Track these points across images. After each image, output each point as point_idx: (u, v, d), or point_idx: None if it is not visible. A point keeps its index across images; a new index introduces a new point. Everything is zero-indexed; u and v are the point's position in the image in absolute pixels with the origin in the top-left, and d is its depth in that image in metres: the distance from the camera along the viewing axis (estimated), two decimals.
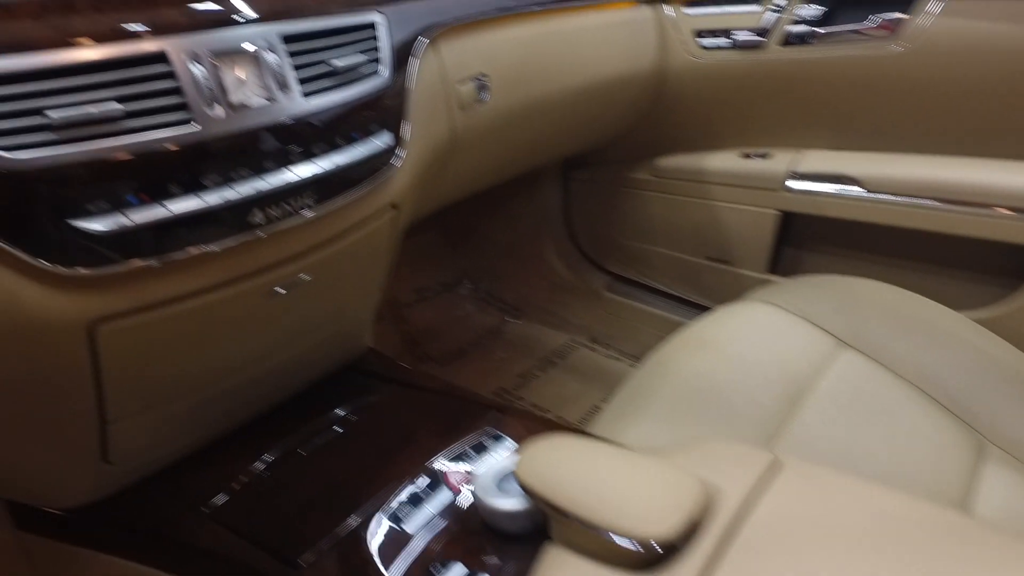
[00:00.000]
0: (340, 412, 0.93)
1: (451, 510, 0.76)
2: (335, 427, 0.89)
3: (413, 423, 0.89)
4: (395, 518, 0.75)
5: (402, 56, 0.90)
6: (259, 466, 0.85)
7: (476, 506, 0.73)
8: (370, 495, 0.77)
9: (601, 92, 1.38)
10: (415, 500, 0.77)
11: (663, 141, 1.63)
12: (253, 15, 0.72)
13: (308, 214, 0.74)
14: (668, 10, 1.51)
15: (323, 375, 1.00)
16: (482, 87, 1.09)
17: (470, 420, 0.88)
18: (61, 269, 0.61)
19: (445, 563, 0.69)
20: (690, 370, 1.02)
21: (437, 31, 1.00)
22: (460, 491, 0.78)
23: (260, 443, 0.89)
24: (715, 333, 1.10)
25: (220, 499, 0.81)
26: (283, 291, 0.78)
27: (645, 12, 1.47)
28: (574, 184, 1.89)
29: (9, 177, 0.57)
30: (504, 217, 2.02)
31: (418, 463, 0.81)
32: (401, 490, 0.78)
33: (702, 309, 1.71)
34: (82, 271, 0.62)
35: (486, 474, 0.73)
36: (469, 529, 0.73)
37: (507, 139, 1.23)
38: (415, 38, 0.95)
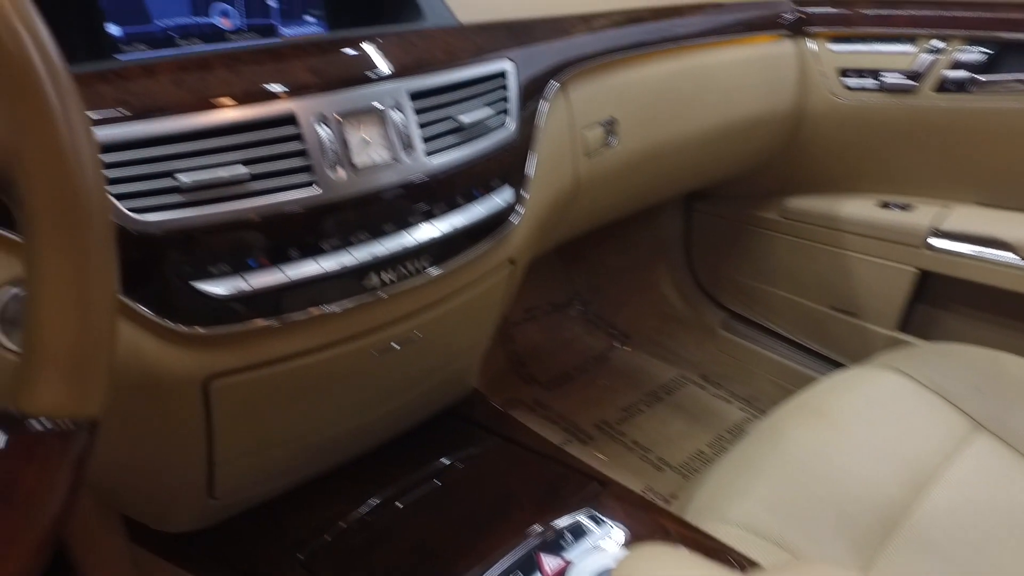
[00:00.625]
0: (440, 462, 0.92)
1: None
2: (434, 479, 0.89)
3: (512, 485, 0.87)
4: None
5: (530, 104, 0.88)
6: (357, 514, 0.85)
7: None
8: (462, 568, 0.76)
9: (734, 131, 1.32)
10: None
11: (794, 181, 1.55)
12: (383, 72, 0.71)
13: (424, 276, 0.73)
14: (812, 45, 1.43)
15: (426, 418, 1.00)
16: (610, 131, 1.05)
17: (570, 492, 0.85)
18: (181, 328, 0.62)
19: None
20: (804, 444, 0.95)
21: (568, 74, 0.97)
22: None
23: (360, 488, 0.89)
24: (835, 402, 1.03)
25: (315, 545, 0.82)
26: (397, 347, 0.77)
27: (787, 47, 1.40)
28: (696, 215, 1.82)
29: (138, 238, 0.58)
30: (621, 241, 1.97)
31: (514, 537, 0.79)
32: (495, 567, 0.76)
33: (822, 359, 1.62)
34: (200, 330, 0.63)
35: (582, 572, 0.70)
36: None
37: (632, 181, 1.19)
38: (545, 83, 0.92)
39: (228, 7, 0.83)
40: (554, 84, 0.93)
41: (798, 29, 1.41)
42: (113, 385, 0.53)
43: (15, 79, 0.36)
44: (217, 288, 0.61)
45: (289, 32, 0.88)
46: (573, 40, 0.99)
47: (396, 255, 0.69)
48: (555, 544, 0.78)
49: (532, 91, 0.89)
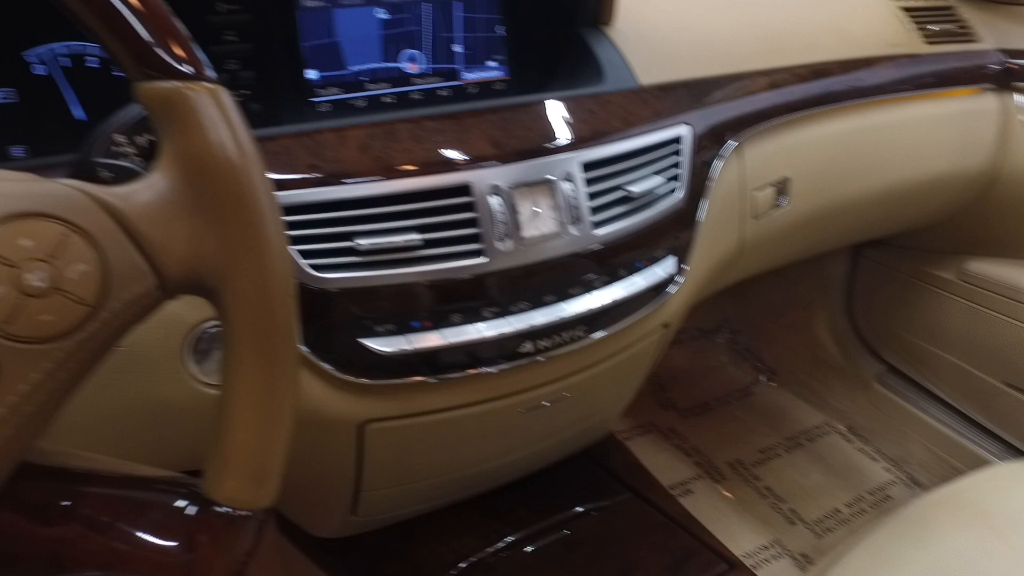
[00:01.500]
0: (570, 510, 0.94)
1: None
2: (564, 528, 0.90)
3: (640, 551, 0.87)
4: None
5: (701, 168, 0.87)
6: (484, 553, 0.88)
7: None
8: None
9: (917, 190, 1.24)
10: None
11: (979, 242, 1.44)
12: (559, 143, 0.72)
13: (578, 343, 0.74)
14: (1021, 99, 1.31)
15: (563, 459, 1.01)
16: (781, 192, 1.02)
17: (697, 570, 0.84)
18: (346, 377, 0.66)
19: None
20: (958, 550, 0.89)
21: (746, 134, 0.95)
22: None
23: (489, 522, 0.92)
24: (1001, 501, 0.95)
25: None
26: (547, 404, 0.79)
27: (989, 101, 1.29)
28: (864, 261, 1.73)
29: (315, 294, 0.62)
30: (780, 276, 1.90)
31: None
32: None
33: (988, 435, 1.51)
34: (362, 381, 0.67)
35: None
36: None
37: (798, 239, 1.15)
38: (721, 145, 0.90)
39: (416, 52, 0.87)
40: (730, 145, 0.91)
41: (1005, 82, 1.30)
42: None
43: (232, 200, 0.39)
44: (382, 346, 0.65)
45: (471, 76, 0.91)
46: (754, 98, 0.96)
47: (553, 325, 0.71)
48: None
49: (706, 155, 0.87)
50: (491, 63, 0.92)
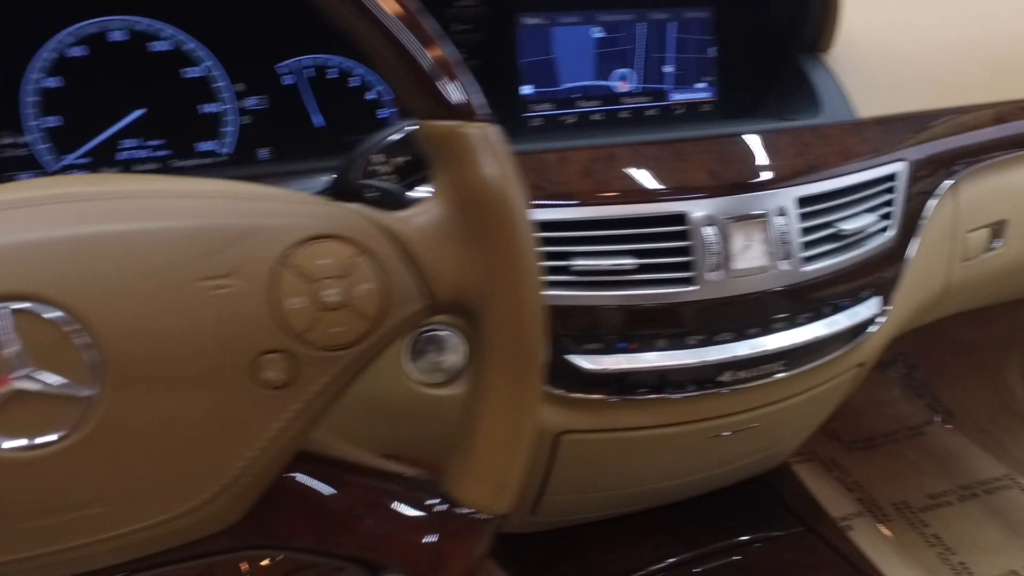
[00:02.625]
0: (741, 537, 0.93)
1: None
2: (735, 553, 0.90)
3: None
4: None
5: (914, 207, 0.84)
6: (658, 566, 0.89)
7: None
8: None
9: None
10: None
11: None
12: (776, 176, 0.72)
13: (774, 378, 0.74)
14: None
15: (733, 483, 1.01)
16: (996, 234, 0.96)
17: None
18: (555, 391, 0.69)
19: None
20: None
21: (965, 172, 0.90)
22: None
23: (660, 535, 0.93)
24: None
25: None
26: (727, 434, 0.79)
27: None
28: None
29: None
30: (972, 313, 1.79)
31: None
32: None
33: None
34: (566, 394, 0.69)
35: None
36: None
37: (1008, 284, 1.08)
38: (937, 183, 0.86)
39: (627, 71, 0.89)
40: (946, 184, 0.87)
41: None
42: None
43: (500, 231, 0.42)
44: (588, 364, 0.67)
45: (679, 97, 0.91)
46: (976, 133, 0.91)
47: (754, 358, 0.71)
48: None
49: (920, 193, 0.84)
50: (700, 84, 0.92)
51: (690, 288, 0.68)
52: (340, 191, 0.54)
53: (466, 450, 0.45)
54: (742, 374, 0.72)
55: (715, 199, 0.68)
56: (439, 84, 0.41)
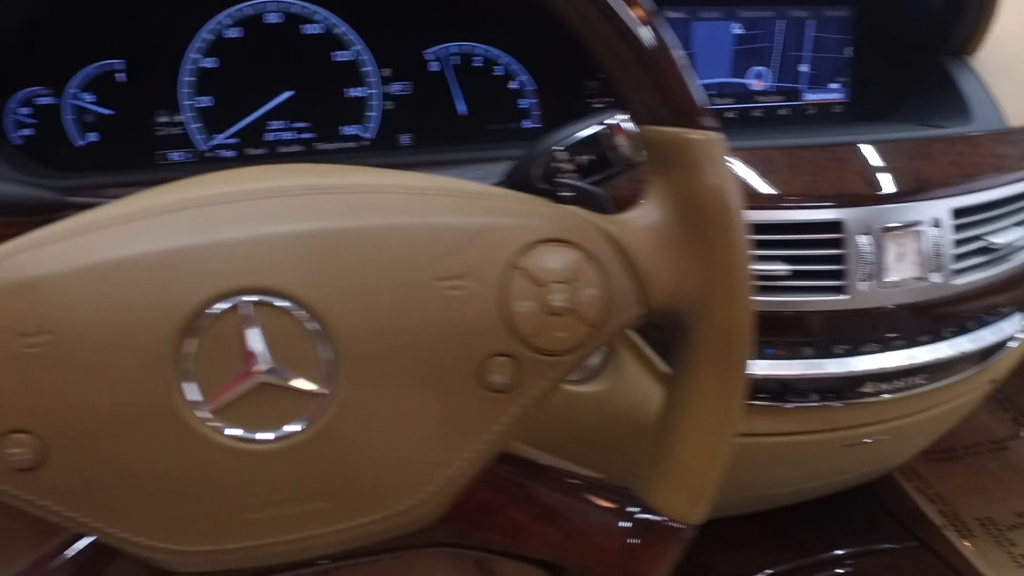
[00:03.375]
0: (851, 548, 0.92)
1: None
2: (846, 566, 0.88)
3: None
4: None
5: None
6: (771, 572, 0.88)
7: None
8: None
9: None
10: None
11: None
12: (932, 186, 0.70)
13: (914, 392, 0.72)
14: None
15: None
16: None
17: None
18: None
19: None
20: None
21: None
22: None
23: (769, 540, 0.92)
24: None
25: None
26: (869, 441, 0.78)
27: None
28: None
29: None
30: None
31: None
32: None
33: None
34: None
35: None
36: None
37: None
38: None
39: (763, 69, 0.87)
40: None
41: None
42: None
43: (721, 241, 0.42)
44: None
45: (812, 97, 0.89)
46: None
47: (899, 370, 0.70)
48: None
49: None
50: (833, 85, 0.90)
51: (840, 297, 0.66)
52: (518, 186, 0.53)
53: (665, 457, 0.45)
54: (884, 386, 0.71)
55: (871, 208, 0.67)
56: (673, 89, 0.40)
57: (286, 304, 0.35)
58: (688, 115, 0.41)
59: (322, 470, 0.37)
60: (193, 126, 0.71)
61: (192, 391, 0.35)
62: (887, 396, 0.71)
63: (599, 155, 0.52)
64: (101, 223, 0.36)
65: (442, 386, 0.37)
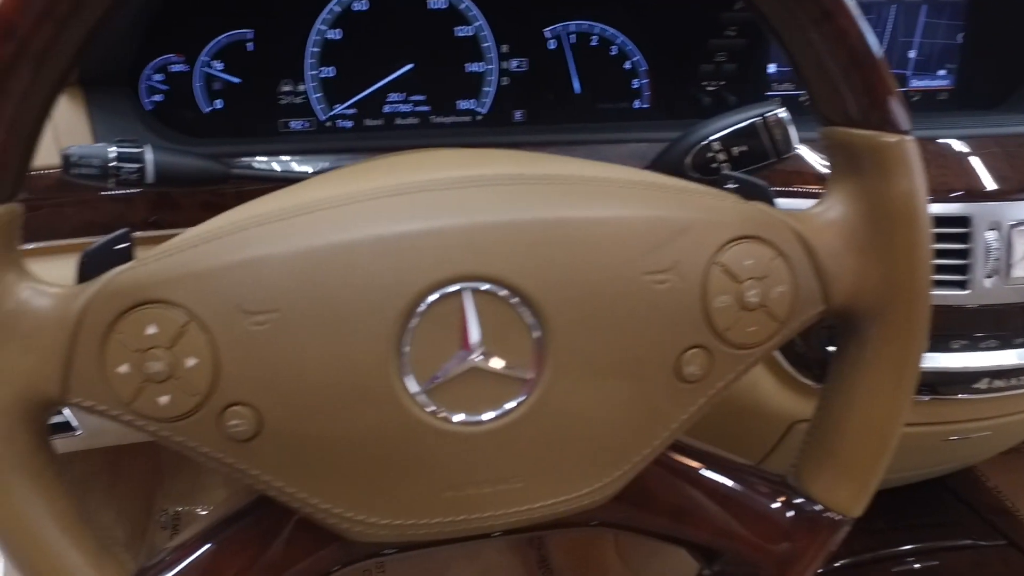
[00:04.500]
0: (939, 541, 0.92)
1: None
2: (934, 559, 0.88)
3: None
4: None
5: None
6: (854, 559, 0.88)
7: None
8: None
9: None
10: None
11: None
12: None
13: (1018, 389, 0.72)
14: None
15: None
16: None
17: None
18: (805, 380, 0.69)
19: None
20: None
21: None
22: None
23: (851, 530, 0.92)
24: None
25: None
26: (955, 439, 0.78)
27: None
28: None
29: None
30: None
31: None
32: None
33: None
34: (815, 385, 0.69)
35: None
36: None
37: None
38: None
39: None
40: None
41: None
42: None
43: (908, 244, 0.42)
44: None
45: (917, 84, 0.88)
46: None
47: (1016, 368, 0.69)
48: None
49: None
50: (940, 72, 0.89)
51: (962, 292, 0.66)
52: (668, 173, 0.53)
53: (831, 451, 0.45)
54: (999, 383, 0.70)
55: (1002, 204, 0.66)
56: (879, 95, 0.40)
57: (504, 292, 0.36)
58: (888, 119, 0.40)
59: (523, 451, 0.38)
60: (315, 96, 0.71)
61: (408, 371, 0.36)
62: (999, 394, 0.71)
63: (752, 147, 0.52)
64: (319, 204, 0.36)
65: (641, 375, 0.38)
